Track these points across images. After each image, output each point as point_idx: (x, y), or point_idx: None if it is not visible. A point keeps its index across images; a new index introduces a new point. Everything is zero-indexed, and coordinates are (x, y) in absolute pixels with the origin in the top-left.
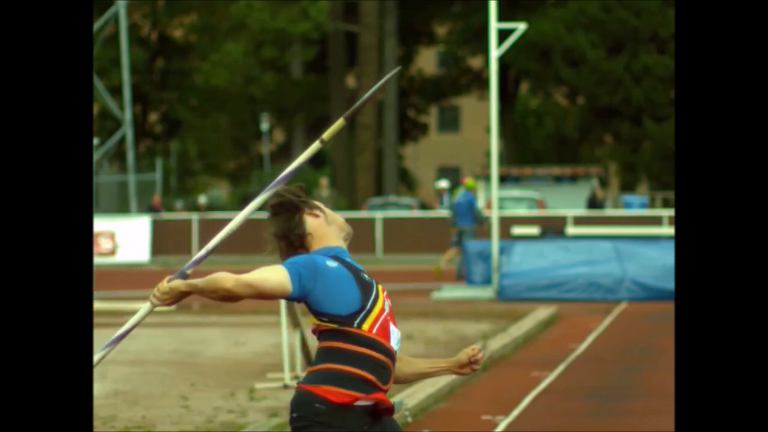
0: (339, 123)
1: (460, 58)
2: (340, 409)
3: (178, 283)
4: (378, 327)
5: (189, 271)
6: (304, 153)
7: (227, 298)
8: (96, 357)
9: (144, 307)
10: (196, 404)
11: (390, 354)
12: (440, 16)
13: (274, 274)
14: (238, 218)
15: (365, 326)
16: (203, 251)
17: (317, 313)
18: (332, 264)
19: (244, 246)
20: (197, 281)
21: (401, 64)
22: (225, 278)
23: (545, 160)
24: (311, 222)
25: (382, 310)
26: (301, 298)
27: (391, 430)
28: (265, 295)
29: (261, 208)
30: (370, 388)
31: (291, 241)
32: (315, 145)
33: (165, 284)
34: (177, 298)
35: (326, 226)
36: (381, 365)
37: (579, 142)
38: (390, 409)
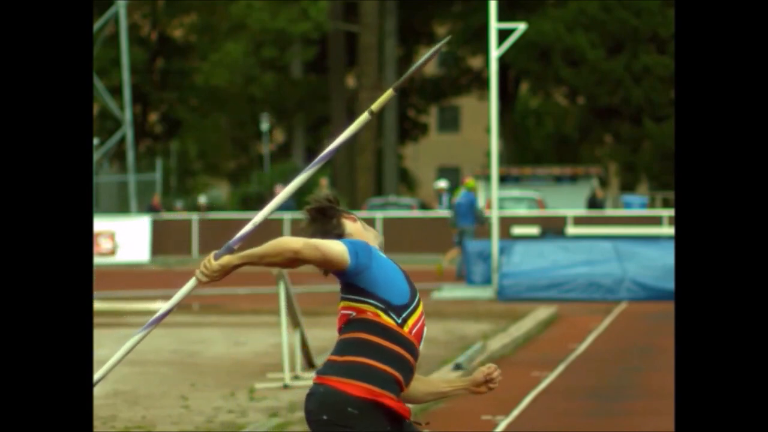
0: (388, 93)
1: (460, 58)
2: (371, 410)
3: (231, 258)
4: (416, 330)
5: (236, 246)
6: (352, 125)
7: (292, 260)
8: (133, 340)
9: (189, 283)
10: (196, 404)
11: (417, 360)
12: (440, 16)
13: (336, 245)
14: (284, 194)
15: (407, 327)
16: (249, 226)
17: (366, 293)
18: (383, 255)
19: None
20: (254, 250)
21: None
22: (292, 240)
23: (545, 160)
24: (350, 225)
25: (422, 315)
26: (355, 273)
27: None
28: (328, 262)
29: (289, 208)
30: (398, 390)
31: None
32: (364, 116)
33: (213, 261)
34: (227, 273)
35: (363, 231)
36: (410, 369)
37: (579, 142)
38: (408, 412)
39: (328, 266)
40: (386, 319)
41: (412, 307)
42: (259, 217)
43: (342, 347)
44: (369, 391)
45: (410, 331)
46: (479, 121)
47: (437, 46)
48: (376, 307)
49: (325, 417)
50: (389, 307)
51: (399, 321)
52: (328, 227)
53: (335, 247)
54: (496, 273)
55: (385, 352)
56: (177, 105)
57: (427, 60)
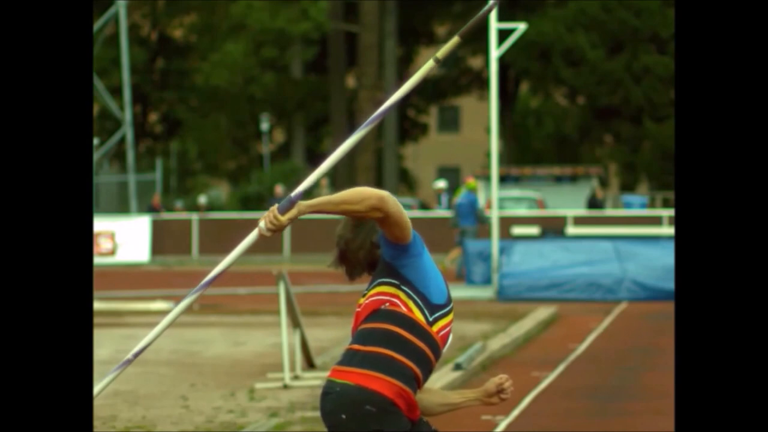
0: (454, 41)
1: (460, 58)
2: (389, 407)
3: (302, 207)
4: (443, 334)
5: (297, 201)
6: (417, 72)
7: (375, 209)
8: (188, 299)
9: (250, 236)
10: (196, 404)
11: (437, 362)
12: (440, 16)
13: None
14: (344, 147)
15: (435, 327)
16: (312, 177)
17: (407, 282)
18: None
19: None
20: (331, 197)
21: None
22: (375, 191)
23: (545, 160)
24: None
25: (451, 322)
26: (408, 254)
27: (426, 430)
28: (399, 224)
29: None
30: (416, 388)
31: (372, 249)
32: (429, 64)
33: (278, 214)
34: (286, 223)
35: None
36: (430, 369)
37: (579, 142)
38: (420, 411)
39: (396, 230)
40: (418, 315)
41: (445, 310)
42: (318, 172)
43: (365, 337)
44: (389, 386)
45: (437, 333)
46: (479, 121)
47: (488, 5)
48: (412, 299)
49: (343, 416)
50: (425, 303)
51: (430, 319)
52: (376, 229)
53: (407, 217)
54: (496, 273)
55: (410, 347)
56: (177, 105)
57: (487, 10)
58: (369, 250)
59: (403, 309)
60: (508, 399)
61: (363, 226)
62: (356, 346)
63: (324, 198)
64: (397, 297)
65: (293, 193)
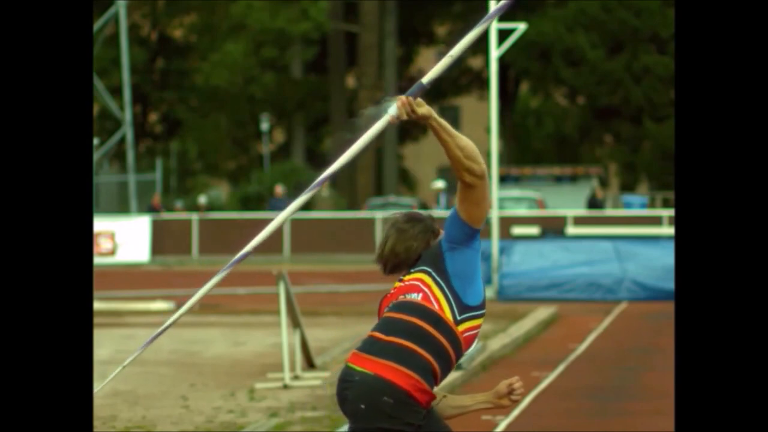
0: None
1: (460, 58)
2: (406, 398)
3: (433, 114)
4: (469, 336)
5: (428, 87)
6: (472, 31)
7: (477, 173)
8: (272, 225)
9: (380, 122)
10: (196, 404)
11: (457, 362)
12: (440, 16)
13: None
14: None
15: (462, 327)
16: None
17: (445, 276)
18: None
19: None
20: (454, 132)
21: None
22: (480, 158)
23: (545, 160)
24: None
25: (479, 327)
26: (469, 240)
27: (436, 419)
28: (481, 205)
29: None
30: (433, 384)
31: (428, 240)
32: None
33: (413, 101)
34: (418, 119)
35: None
36: (449, 367)
37: (579, 142)
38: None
39: (475, 209)
40: (446, 311)
41: (477, 313)
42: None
43: (388, 326)
44: (406, 378)
45: (463, 333)
46: (479, 121)
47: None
48: (445, 294)
49: (362, 406)
50: (456, 301)
51: (458, 318)
52: (429, 228)
53: (488, 206)
54: (496, 273)
55: (432, 342)
56: (177, 105)
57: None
58: (425, 241)
59: (434, 305)
60: (518, 401)
61: (419, 222)
62: (378, 334)
63: (449, 128)
64: (430, 289)
65: (424, 79)
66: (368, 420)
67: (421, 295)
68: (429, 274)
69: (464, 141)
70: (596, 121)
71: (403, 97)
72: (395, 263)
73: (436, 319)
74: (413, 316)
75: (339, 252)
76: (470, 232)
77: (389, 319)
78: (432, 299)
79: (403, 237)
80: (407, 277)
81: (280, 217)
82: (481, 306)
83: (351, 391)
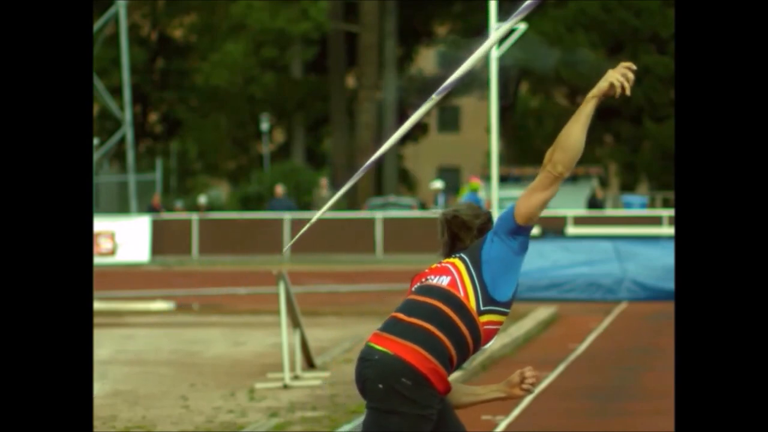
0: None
1: (461, 58)
2: (424, 381)
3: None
4: (489, 329)
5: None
6: (519, 9)
7: (572, 159)
8: (346, 186)
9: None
10: (196, 404)
11: (473, 353)
12: (440, 16)
13: None
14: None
15: (484, 318)
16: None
17: (478, 265)
18: None
19: (242, 246)
20: (589, 110)
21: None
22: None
23: None
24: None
25: (500, 324)
26: (517, 235)
27: (447, 407)
28: (543, 204)
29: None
30: (450, 369)
31: (478, 232)
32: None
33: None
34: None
35: None
36: (466, 355)
37: None
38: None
39: (537, 206)
40: (471, 302)
41: (501, 309)
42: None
43: (412, 308)
44: (424, 360)
45: (483, 325)
46: (479, 121)
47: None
48: (473, 283)
49: (380, 386)
50: (483, 292)
51: (482, 309)
52: (473, 225)
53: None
54: None
55: (453, 327)
56: (177, 105)
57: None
58: (484, 221)
59: (459, 291)
60: (530, 390)
61: (481, 215)
62: (400, 315)
63: (589, 111)
64: (460, 275)
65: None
66: (384, 401)
67: (449, 279)
68: (464, 261)
69: (580, 135)
70: (596, 121)
71: (621, 67)
72: (457, 234)
73: (459, 305)
74: (437, 300)
75: (339, 252)
76: (514, 226)
77: (413, 301)
78: (459, 285)
79: (466, 213)
80: (445, 260)
81: (352, 179)
82: (507, 305)
83: (370, 369)
